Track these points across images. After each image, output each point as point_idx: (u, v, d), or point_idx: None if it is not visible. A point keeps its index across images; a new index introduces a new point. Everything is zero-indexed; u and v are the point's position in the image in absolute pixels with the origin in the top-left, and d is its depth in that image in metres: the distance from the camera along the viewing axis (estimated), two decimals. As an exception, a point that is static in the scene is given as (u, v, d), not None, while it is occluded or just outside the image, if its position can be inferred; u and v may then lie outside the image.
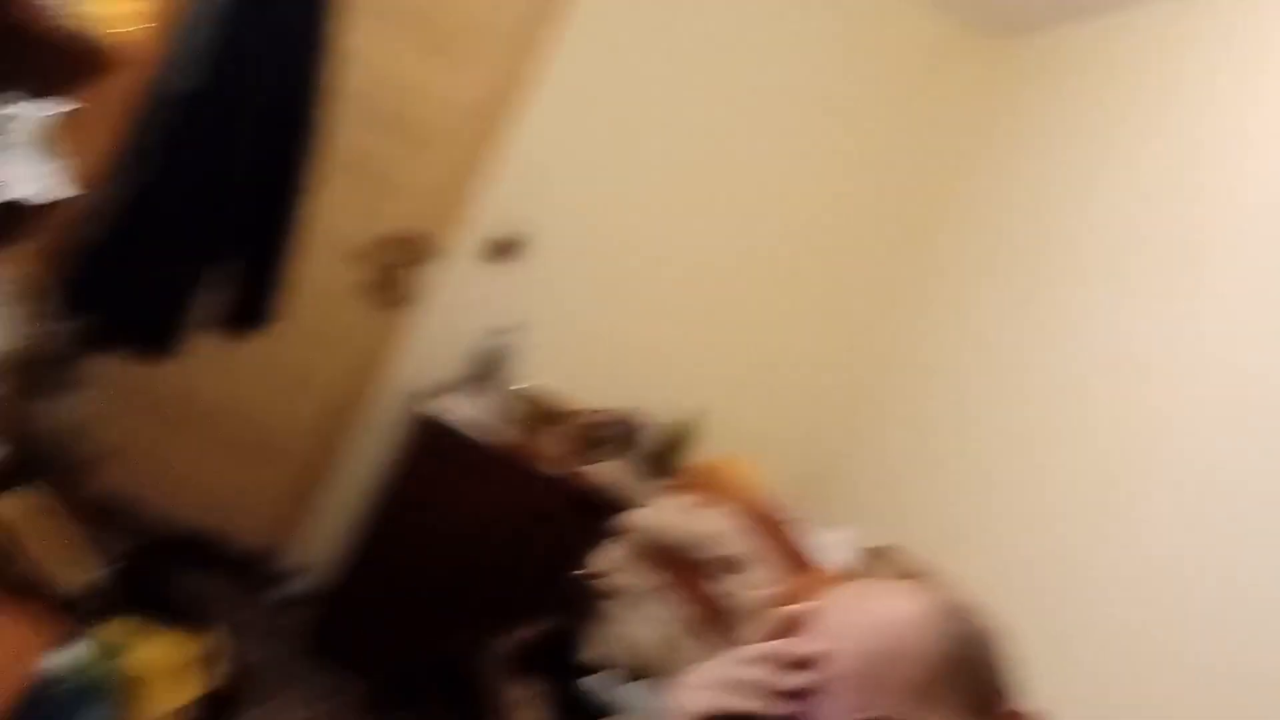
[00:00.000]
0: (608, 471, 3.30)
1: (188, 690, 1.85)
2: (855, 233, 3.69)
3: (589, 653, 2.47)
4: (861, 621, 0.83)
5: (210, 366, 3.24)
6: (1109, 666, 2.01)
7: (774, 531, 2.52)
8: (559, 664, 2.52)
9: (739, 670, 0.83)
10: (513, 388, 3.29)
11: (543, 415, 3.31)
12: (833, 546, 2.73)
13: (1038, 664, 2.17)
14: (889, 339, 3.53)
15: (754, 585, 2.41)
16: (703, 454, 3.38)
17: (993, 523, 2.54)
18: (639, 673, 2.37)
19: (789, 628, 0.86)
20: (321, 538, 3.43)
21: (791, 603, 0.88)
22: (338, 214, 3.25)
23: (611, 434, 3.47)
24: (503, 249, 3.45)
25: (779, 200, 3.65)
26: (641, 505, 2.67)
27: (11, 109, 1.81)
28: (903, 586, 0.89)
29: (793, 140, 3.63)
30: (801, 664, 0.81)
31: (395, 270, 3.39)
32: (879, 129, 3.66)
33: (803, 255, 3.69)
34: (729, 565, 2.41)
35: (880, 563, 2.65)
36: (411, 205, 3.39)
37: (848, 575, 2.49)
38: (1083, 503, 2.28)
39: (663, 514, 2.55)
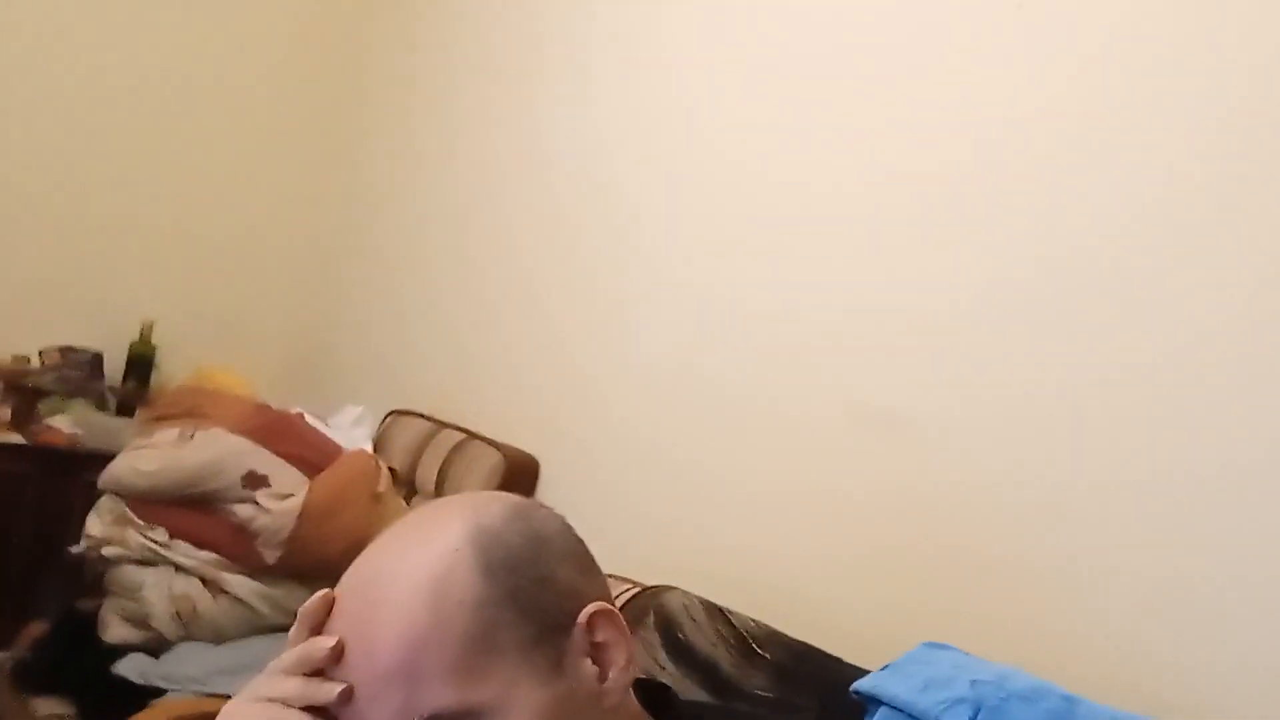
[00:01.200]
0: (69, 423, 2.83)
1: None
2: (282, 109, 3.37)
3: (111, 635, 2.14)
4: (383, 595, 0.66)
5: None
6: (624, 472, 2.12)
7: (280, 433, 2.31)
8: (83, 656, 2.16)
9: (275, 686, 0.66)
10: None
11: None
12: (349, 427, 2.59)
13: (569, 475, 2.28)
14: (343, 206, 3.33)
15: (280, 495, 2.22)
16: (176, 374, 3.02)
17: (502, 354, 2.54)
18: (171, 640, 2.10)
19: (315, 618, 0.70)
20: None
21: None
22: None
23: (57, 378, 2.96)
24: None
25: (197, 90, 3.22)
26: (121, 452, 2.30)
27: None
28: (429, 519, 0.71)
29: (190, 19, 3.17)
30: (326, 666, 0.65)
31: None
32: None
33: (233, 142, 3.31)
34: (242, 487, 2.18)
35: (400, 430, 2.57)
36: None
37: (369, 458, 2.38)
38: (583, 321, 2.32)
39: (144, 457, 2.21)
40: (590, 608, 0.70)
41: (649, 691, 0.82)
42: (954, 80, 1.63)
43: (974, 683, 1.25)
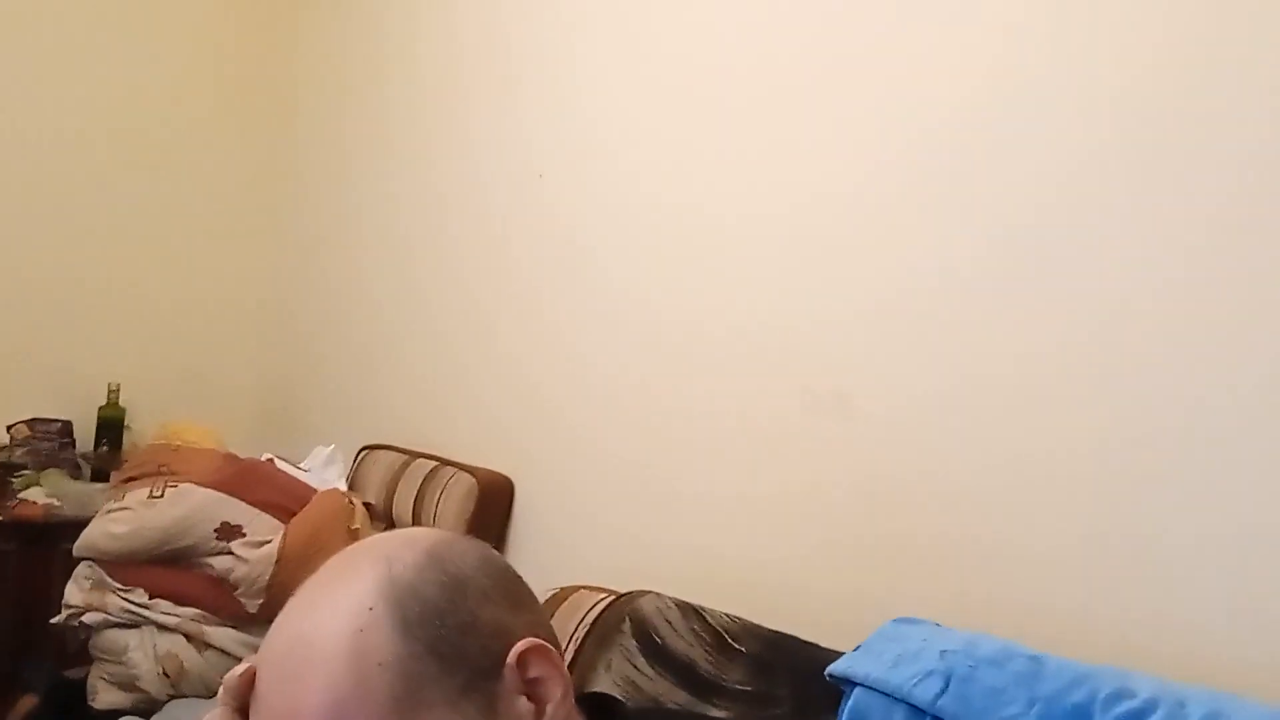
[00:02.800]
0: (44, 494, 2.82)
1: None
2: (221, 167, 3.39)
3: (101, 701, 2.13)
4: (302, 664, 0.64)
5: None
6: (595, 484, 2.13)
7: (250, 481, 2.30)
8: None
9: None
10: None
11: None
12: (321, 468, 2.59)
13: (543, 492, 2.28)
14: (293, 255, 3.35)
15: (256, 543, 2.21)
16: (148, 434, 3.01)
17: (465, 381, 2.54)
18: (161, 699, 2.09)
19: (238, 693, 0.66)
20: None
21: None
22: None
23: (28, 451, 2.95)
24: None
25: (136, 156, 3.23)
26: (93, 517, 2.29)
27: None
28: (339, 577, 0.69)
29: (111, 72, 3.17)
30: None
31: None
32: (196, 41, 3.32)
33: (177, 203, 3.32)
34: (216, 539, 2.17)
35: (373, 465, 2.57)
36: None
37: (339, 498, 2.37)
38: (538, 343, 2.33)
39: (116, 520, 2.20)
40: (518, 647, 0.68)
41: (596, 703, 0.82)
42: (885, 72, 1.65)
43: (943, 653, 1.26)
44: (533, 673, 0.68)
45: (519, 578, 0.75)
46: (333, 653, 0.64)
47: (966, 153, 1.51)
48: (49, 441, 3.01)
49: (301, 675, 0.64)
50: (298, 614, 0.68)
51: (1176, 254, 1.29)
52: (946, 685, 1.22)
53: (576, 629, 1.59)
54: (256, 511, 2.24)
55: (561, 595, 1.68)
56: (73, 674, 2.30)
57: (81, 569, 2.25)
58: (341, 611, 0.66)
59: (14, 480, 2.88)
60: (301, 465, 2.58)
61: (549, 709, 0.68)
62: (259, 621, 2.17)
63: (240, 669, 0.67)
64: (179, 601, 2.17)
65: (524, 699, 0.67)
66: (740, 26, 1.88)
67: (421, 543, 0.71)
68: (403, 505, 2.40)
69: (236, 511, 2.23)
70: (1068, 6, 1.41)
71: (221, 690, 0.67)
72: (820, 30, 1.73)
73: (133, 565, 2.20)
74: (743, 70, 1.86)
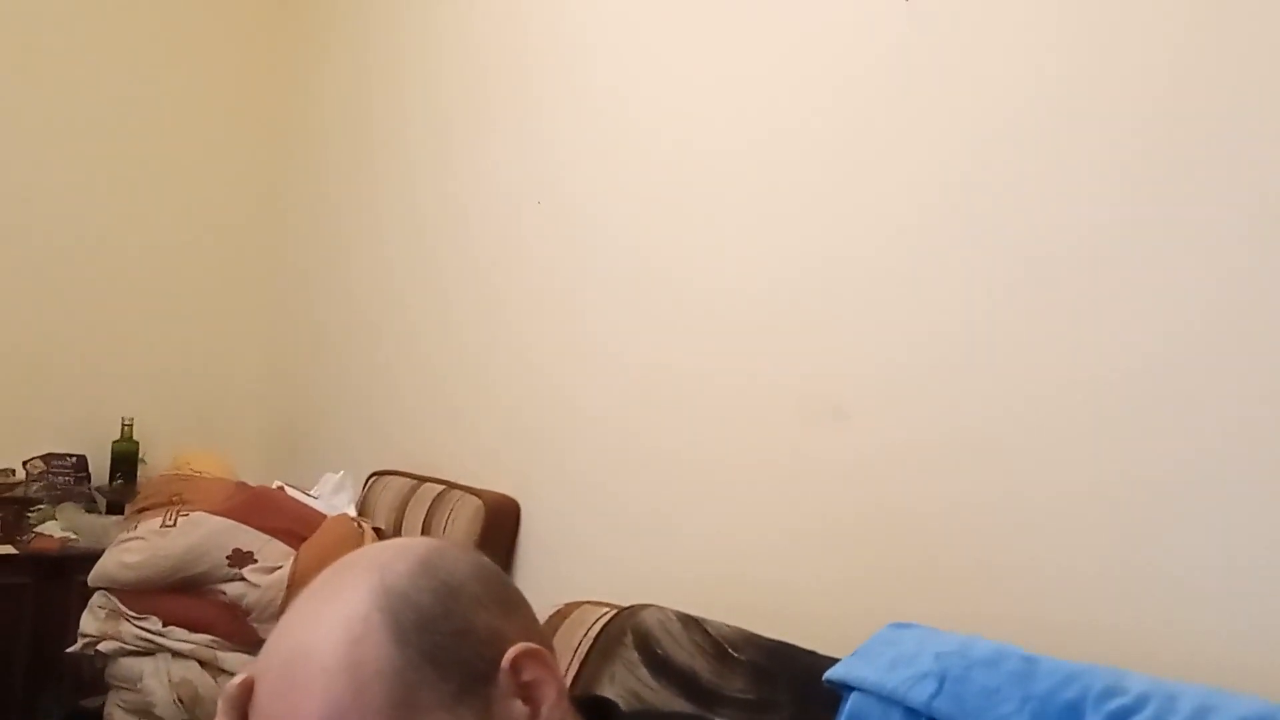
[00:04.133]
0: (59, 528, 2.87)
1: None
2: (219, 206, 3.46)
3: (118, 729, 2.16)
4: (300, 675, 0.66)
5: None
6: (599, 503, 2.16)
7: (260, 508, 2.33)
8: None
9: None
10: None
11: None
12: (331, 495, 2.62)
13: (548, 513, 2.31)
14: (302, 291, 3.39)
15: (267, 569, 2.24)
16: (162, 466, 3.05)
17: (473, 408, 2.58)
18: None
19: (237, 704, 0.68)
20: None
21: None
22: None
23: (43, 486, 2.99)
24: None
25: (142, 196, 3.31)
26: (107, 548, 2.32)
27: None
28: (334, 587, 0.70)
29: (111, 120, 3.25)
30: None
31: None
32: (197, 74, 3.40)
33: (177, 243, 3.39)
34: (229, 566, 2.20)
35: (383, 490, 2.60)
36: None
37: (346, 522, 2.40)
38: (531, 376, 2.37)
39: (129, 549, 2.24)
40: (512, 651, 0.69)
41: (593, 707, 0.83)
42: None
43: (938, 655, 1.28)
44: (527, 675, 0.69)
45: (510, 583, 0.77)
46: (330, 663, 0.65)
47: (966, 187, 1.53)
48: (64, 476, 3.06)
49: (300, 686, 0.66)
50: (295, 625, 0.70)
51: (1180, 272, 1.31)
52: (941, 686, 1.24)
53: (580, 643, 1.61)
54: (267, 538, 2.28)
55: (566, 610, 1.70)
56: (89, 703, 2.34)
57: (96, 598, 2.29)
58: (338, 621, 0.67)
59: (30, 514, 2.92)
60: (311, 492, 2.61)
61: (544, 710, 0.69)
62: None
63: (239, 679, 0.69)
64: (193, 628, 2.20)
65: (519, 702, 0.68)
66: (741, 81, 1.91)
67: (414, 551, 0.72)
68: (411, 528, 2.42)
69: (248, 538, 2.26)
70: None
71: (221, 700, 0.68)
72: (818, 74, 1.76)
73: (147, 593, 2.24)
74: (745, 114, 1.89)
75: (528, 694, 0.69)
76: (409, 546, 0.74)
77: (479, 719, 0.67)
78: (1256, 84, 1.24)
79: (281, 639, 0.70)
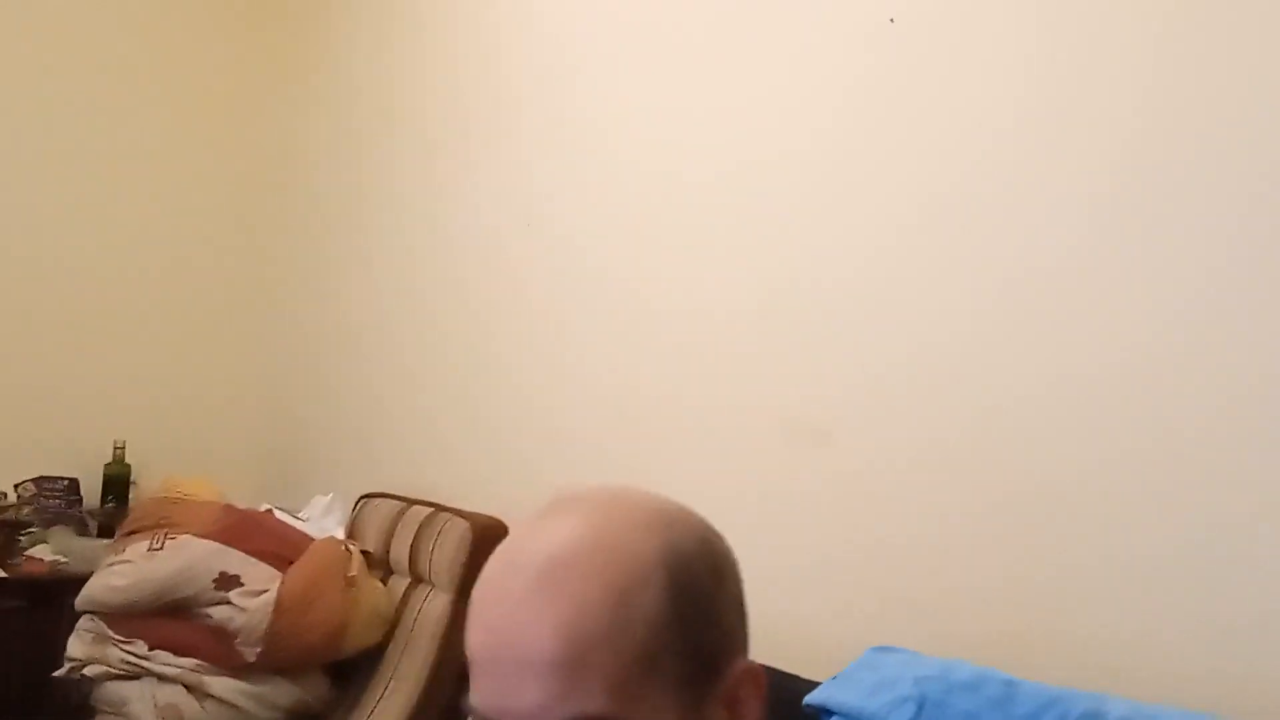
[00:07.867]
0: (50, 551, 2.86)
1: None
2: (210, 232, 3.44)
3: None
4: (567, 583, 0.63)
5: None
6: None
7: (248, 531, 2.32)
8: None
9: None
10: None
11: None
12: (320, 517, 2.61)
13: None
14: (293, 315, 3.39)
15: (254, 592, 2.23)
16: (155, 489, 3.05)
17: (461, 432, 2.58)
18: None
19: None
20: None
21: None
22: None
23: (35, 509, 2.99)
24: None
25: (137, 221, 3.31)
26: (94, 572, 2.32)
27: None
28: (622, 524, 0.67)
29: (110, 134, 3.26)
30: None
31: None
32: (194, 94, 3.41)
33: (170, 268, 3.38)
34: (215, 589, 2.20)
35: (371, 513, 2.59)
36: None
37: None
38: (518, 398, 2.38)
39: (116, 573, 2.23)
40: (747, 664, 0.68)
41: None
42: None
43: (917, 680, 1.27)
44: (743, 692, 0.68)
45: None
46: (604, 588, 0.63)
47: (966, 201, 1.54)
48: (56, 499, 3.05)
49: (563, 595, 0.63)
50: (571, 538, 0.66)
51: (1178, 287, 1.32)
52: (920, 711, 1.23)
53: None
54: (254, 561, 2.27)
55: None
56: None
57: (83, 622, 2.28)
58: (623, 556, 0.65)
59: (21, 538, 2.91)
60: (301, 514, 2.60)
61: None
62: (258, 671, 2.19)
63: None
64: (179, 652, 2.19)
65: (724, 712, 0.67)
66: (723, 107, 1.92)
67: (697, 523, 0.70)
68: (399, 552, 2.42)
69: (234, 561, 2.25)
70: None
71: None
72: (797, 102, 1.77)
73: (133, 617, 2.23)
74: (727, 140, 1.90)
75: (733, 710, 0.68)
76: (691, 516, 0.71)
77: (692, 709, 0.65)
78: (1232, 102, 1.25)
79: (549, 539, 0.67)
